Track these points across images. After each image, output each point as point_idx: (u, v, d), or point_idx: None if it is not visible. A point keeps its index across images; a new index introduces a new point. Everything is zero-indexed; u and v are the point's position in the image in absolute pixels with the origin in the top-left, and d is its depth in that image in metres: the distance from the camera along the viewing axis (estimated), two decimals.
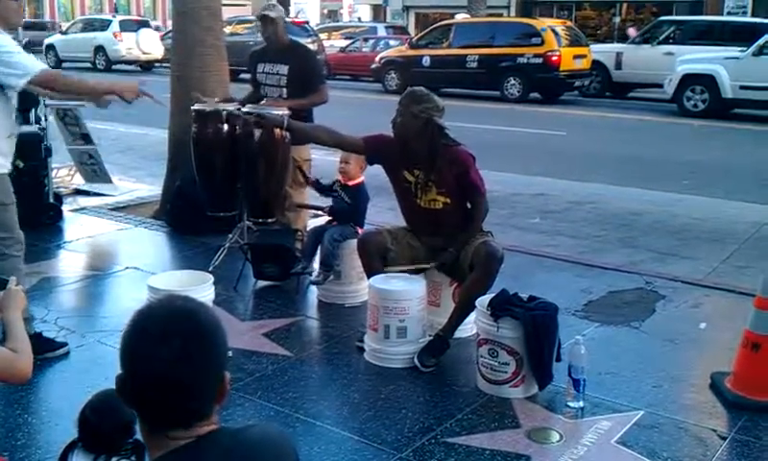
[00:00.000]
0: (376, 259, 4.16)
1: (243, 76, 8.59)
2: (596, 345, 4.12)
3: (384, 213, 5.79)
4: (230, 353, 1.58)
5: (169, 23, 27.70)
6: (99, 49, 24.90)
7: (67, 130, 7.56)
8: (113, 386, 1.40)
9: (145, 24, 26.78)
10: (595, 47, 18.40)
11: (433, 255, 4.14)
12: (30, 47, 9.41)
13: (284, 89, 5.33)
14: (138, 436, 2.11)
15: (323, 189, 5.04)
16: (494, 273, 3.90)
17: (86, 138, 7.58)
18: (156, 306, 1.42)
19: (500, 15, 26.33)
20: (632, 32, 21.51)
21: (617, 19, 27.72)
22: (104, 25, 25.79)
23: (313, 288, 4.94)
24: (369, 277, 4.18)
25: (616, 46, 18.70)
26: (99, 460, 2.20)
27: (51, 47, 26.28)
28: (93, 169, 7.72)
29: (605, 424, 3.39)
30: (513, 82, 17.15)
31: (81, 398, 2.35)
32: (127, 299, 4.83)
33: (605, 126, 13.90)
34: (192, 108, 5.24)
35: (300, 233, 5.33)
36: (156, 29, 28.44)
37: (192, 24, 6.43)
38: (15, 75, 3.55)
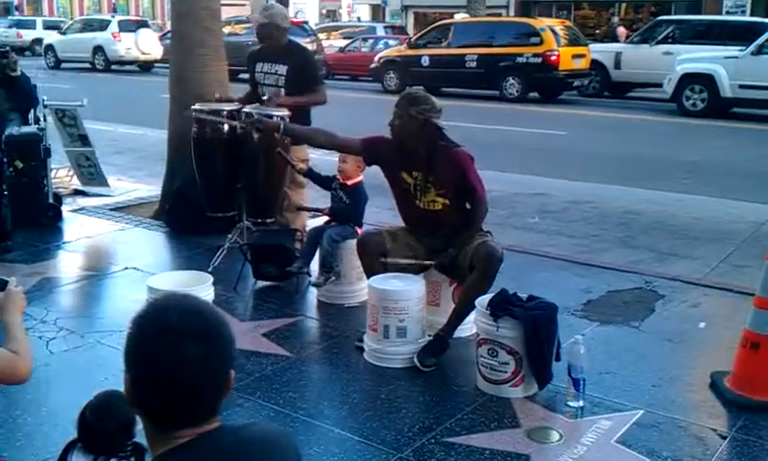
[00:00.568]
0: (376, 260, 4.16)
1: (242, 76, 8.58)
2: (596, 344, 4.12)
3: (383, 213, 5.78)
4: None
5: (168, 23, 27.67)
6: (98, 49, 24.91)
7: (65, 130, 7.52)
8: (113, 387, 1.39)
9: (144, 24, 26.78)
10: (594, 47, 18.39)
11: (432, 256, 4.13)
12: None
13: (282, 90, 5.35)
14: (138, 437, 2.11)
15: (316, 178, 5.04)
16: (494, 273, 3.90)
17: (84, 140, 7.54)
18: (162, 307, 1.38)
19: (499, 15, 26.32)
20: (621, 31, 21.50)
21: (616, 19, 27.71)
22: (102, 25, 25.79)
23: (312, 288, 4.94)
24: (368, 277, 4.18)
25: (615, 46, 18.68)
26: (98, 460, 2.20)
27: (50, 47, 26.26)
28: (90, 172, 7.68)
29: (605, 424, 3.39)
30: (512, 81, 17.14)
31: (80, 398, 2.33)
32: (126, 299, 4.83)
33: (604, 125, 13.89)
34: (192, 108, 5.25)
35: (299, 233, 5.33)
36: (157, 29, 28.44)
37: (191, 24, 6.42)
38: None
